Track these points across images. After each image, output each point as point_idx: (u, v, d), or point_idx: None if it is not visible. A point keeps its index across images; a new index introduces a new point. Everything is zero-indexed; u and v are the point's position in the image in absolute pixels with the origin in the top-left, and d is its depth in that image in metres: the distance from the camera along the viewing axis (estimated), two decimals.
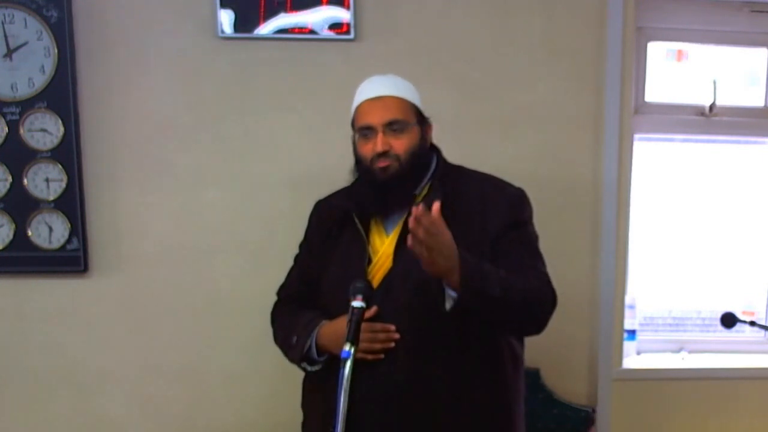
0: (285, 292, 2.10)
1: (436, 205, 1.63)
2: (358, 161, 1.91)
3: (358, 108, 1.91)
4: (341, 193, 2.04)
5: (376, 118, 1.86)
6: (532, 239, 1.94)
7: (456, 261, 1.68)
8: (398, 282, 1.84)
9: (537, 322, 1.86)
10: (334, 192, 2.07)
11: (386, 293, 1.84)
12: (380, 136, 1.85)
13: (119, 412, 2.64)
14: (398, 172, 1.86)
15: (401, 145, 1.86)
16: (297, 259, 2.10)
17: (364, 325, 1.74)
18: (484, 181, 1.97)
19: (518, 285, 1.77)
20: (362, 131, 1.88)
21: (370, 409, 1.81)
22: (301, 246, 2.10)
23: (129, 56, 2.52)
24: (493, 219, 1.88)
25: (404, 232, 1.85)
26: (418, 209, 1.60)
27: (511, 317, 1.82)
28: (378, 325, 1.81)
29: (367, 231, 1.92)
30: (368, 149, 1.86)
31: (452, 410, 1.83)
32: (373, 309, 1.80)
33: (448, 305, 1.75)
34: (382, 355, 1.80)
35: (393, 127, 1.86)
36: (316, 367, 1.89)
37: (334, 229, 1.96)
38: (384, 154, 1.84)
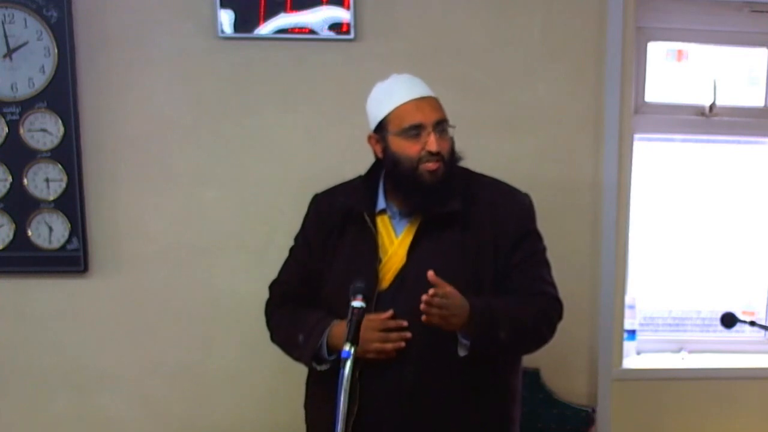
0: (279, 289, 2.06)
1: (431, 274, 1.70)
2: (397, 162, 1.86)
3: (400, 108, 1.85)
4: (342, 189, 2.02)
5: (428, 117, 1.84)
6: (540, 250, 1.96)
7: (467, 314, 1.73)
8: (410, 282, 1.83)
9: (542, 343, 1.92)
10: (334, 187, 2.04)
11: (398, 293, 1.84)
12: (433, 135, 1.82)
13: (119, 412, 2.64)
14: (444, 174, 1.85)
15: (446, 145, 1.86)
16: (293, 252, 2.06)
17: (375, 324, 1.77)
18: (493, 187, 1.97)
19: (526, 316, 1.83)
20: (410, 131, 1.83)
21: (381, 409, 1.81)
22: (298, 239, 2.06)
23: (129, 56, 2.52)
24: (505, 229, 1.89)
25: (419, 232, 1.87)
26: (427, 295, 1.68)
27: (519, 349, 1.91)
28: (391, 323, 1.81)
29: (375, 229, 1.90)
30: (415, 149, 1.83)
31: (460, 410, 1.84)
32: (389, 312, 1.81)
33: (461, 352, 1.80)
34: (393, 353, 1.80)
35: (441, 126, 1.85)
36: (325, 366, 1.88)
37: (336, 228, 1.94)
38: (436, 155, 1.82)
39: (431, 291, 1.68)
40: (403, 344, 1.80)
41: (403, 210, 1.90)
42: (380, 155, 1.92)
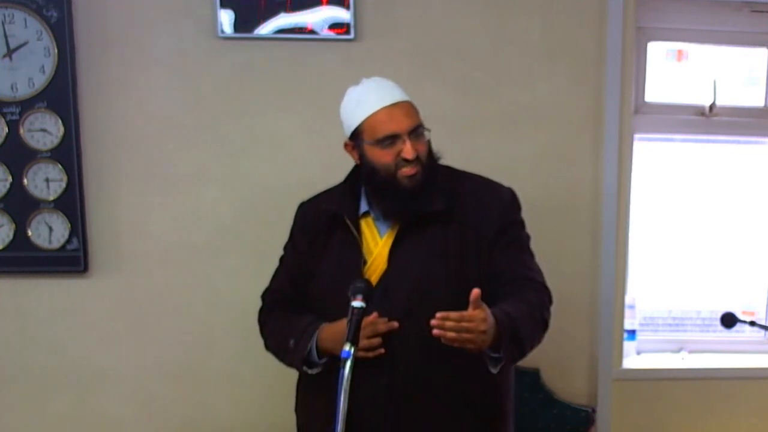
0: (271, 297, 2.07)
1: (476, 293, 1.63)
2: (374, 170, 1.85)
3: (373, 117, 1.84)
4: (327, 195, 2.03)
5: (401, 126, 1.82)
6: (525, 239, 1.97)
7: (493, 332, 1.67)
8: (394, 284, 1.85)
9: (544, 334, 1.89)
10: (319, 194, 2.05)
11: (383, 295, 1.84)
12: (409, 143, 1.81)
13: (119, 412, 2.64)
14: (423, 178, 1.84)
15: (423, 149, 1.86)
16: (283, 260, 2.08)
17: (362, 322, 1.75)
18: (476, 182, 1.97)
19: (532, 315, 1.80)
20: (384, 141, 1.82)
21: (372, 412, 1.81)
22: (286, 247, 2.07)
23: (129, 56, 2.52)
24: (490, 219, 1.89)
25: (400, 233, 1.87)
26: (436, 319, 1.62)
27: (532, 348, 1.85)
28: (381, 324, 1.81)
29: (359, 233, 1.91)
30: (390, 157, 1.82)
31: (452, 409, 1.84)
32: (373, 315, 1.80)
33: (493, 369, 1.77)
34: (383, 350, 1.80)
35: (416, 132, 1.84)
36: (316, 370, 1.89)
37: (322, 232, 1.95)
38: (413, 161, 1.82)
39: (439, 315, 1.62)
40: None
41: (385, 214, 1.90)
42: (357, 162, 1.93)
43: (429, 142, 1.89)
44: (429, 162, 1.87)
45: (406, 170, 1.83)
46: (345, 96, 1.93)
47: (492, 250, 1.87)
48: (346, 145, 1.93)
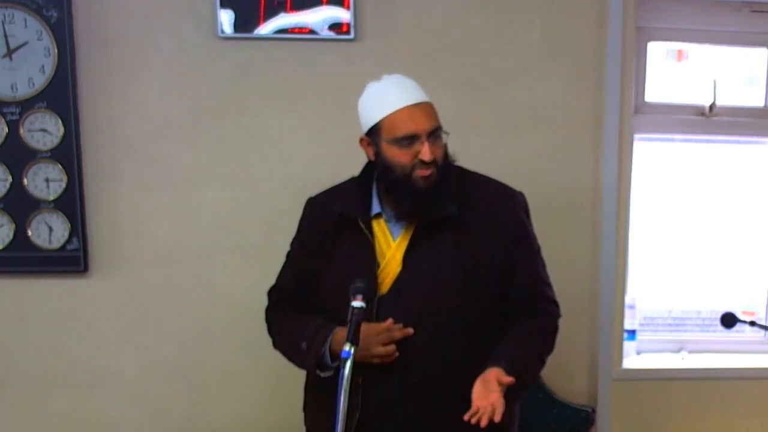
0: (278, 295, 2.05)
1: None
2: (389, 168, 1.83)
3: (394, 115, 1.82)
4: (335, 192, 2.00)
5: (421, 126, 1.80)
6: (537, 249, 1.96)
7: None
8: (408, 287, 1.84)
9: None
10: (327, 190, 2.03)
11: (397, 298, 1.84)
12: (427, 144, 1.79)
13: (119, 412, 2.64)
14: (437, 180, 1.83)
15: (440, 152, 1.84)
16: (290, 256, 2.06)
17: (379, 330, 1.77)
18: (488, 186, 1.96)
19: (537, 353, 1.87)
20: (403, 140, 1.80)
21: (383, 414, 1.81)
22: (294, 244, 2.05)
23: (129, 56, 2.52)
24: (503, 229, 1.88)
25: (415, 236, 1.86)
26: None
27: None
28: (396, 331, 1.81)
29: (372, 235, 1.89)
30: (408, 157, 1.81)
31: (460, 414, 1.83)
32: (388, 321, 1.80)
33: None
34: (397, 353, 1.80)
35: (435, 134, 1.83)
36: (328, 373, 1.87)
37: (331, 231, 1.93)
38: (429, 163, 1.80)
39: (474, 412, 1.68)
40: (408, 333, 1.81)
41: (398, 214, 1.89)
42: (372, 158, 1.90)
43: (445, 146, 1.88)
44: (444, 165, 1.86)
45: (422, 171, 1.81)
46: (365, 91, 1.91)
47: (507, 262, 1.87)
48: (361, 141, 1.91)
